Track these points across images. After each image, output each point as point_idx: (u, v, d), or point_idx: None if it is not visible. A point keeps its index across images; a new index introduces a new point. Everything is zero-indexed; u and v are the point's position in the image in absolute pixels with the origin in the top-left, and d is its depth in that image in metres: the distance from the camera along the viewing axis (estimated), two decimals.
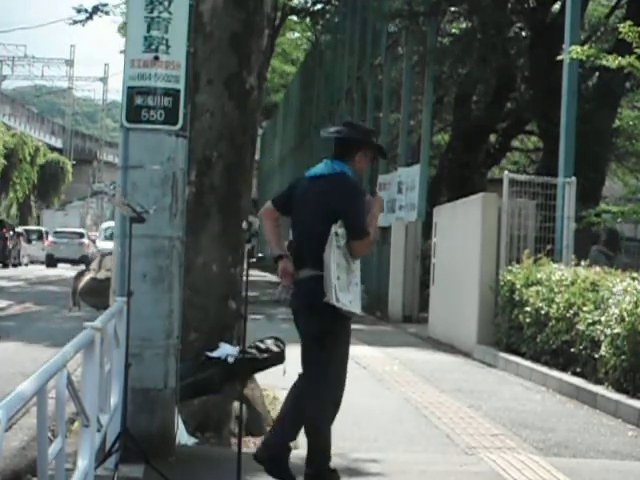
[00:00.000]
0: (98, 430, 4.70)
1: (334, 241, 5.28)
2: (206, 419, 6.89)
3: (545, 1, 20.59)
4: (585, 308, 9.90)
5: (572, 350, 10.08)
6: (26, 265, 41.88)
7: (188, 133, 6.19)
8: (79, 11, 33.00)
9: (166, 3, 5.94)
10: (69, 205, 72.07)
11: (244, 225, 5.65)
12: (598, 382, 9.34)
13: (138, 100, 5.97)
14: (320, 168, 5.57)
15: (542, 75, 18.32)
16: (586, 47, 12.84)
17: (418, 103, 24.00)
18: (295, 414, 5.49)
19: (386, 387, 9.89)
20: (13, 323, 15.53)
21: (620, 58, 11.73)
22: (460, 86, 24.50)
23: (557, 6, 20.49)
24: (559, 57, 13.62)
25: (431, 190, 21.42)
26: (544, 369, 10.67)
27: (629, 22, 11.74)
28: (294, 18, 39.90)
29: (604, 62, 12.11)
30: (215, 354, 6.99)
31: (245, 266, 6.07)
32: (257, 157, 36.42)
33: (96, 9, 32.88)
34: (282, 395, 8.65)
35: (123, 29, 39.31)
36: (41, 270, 38.37)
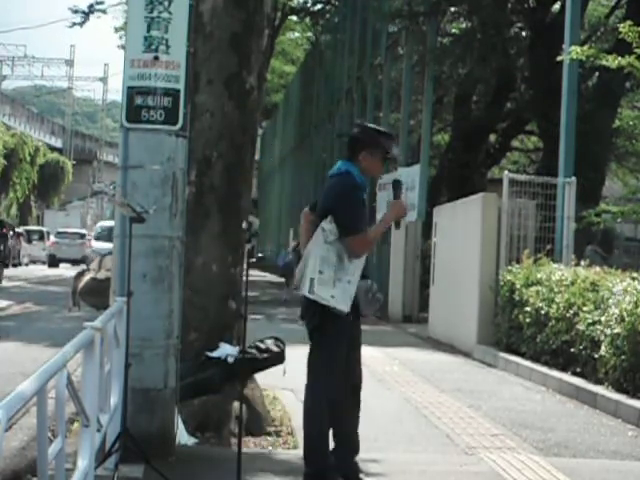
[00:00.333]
0: (98, 430, 4.70)
1: (321, 236, 5.38)
2: (206, 419, 6.89)
3: (545, 1, 20.60)
4: (585, 308, 9.90)
5: (572, 350, 10.08)
6: (26, 265, 41.96)
7: (188, 133, 6.19)
8: (75, 12, 33.00)
9: (166, 3, 5.94)
10: (69, 205, 72.10)
11: (244, 225, 5.67)
12: (598, 382, 9.34)
13: (138, 100, 5.97)
14: (333, 168, 5.74)
15: (542, 75, 18.33)
16: (586, 47, 12.84)
17: (418, 103, 24.03)
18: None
19: (386, 387, 9.89)
20: (13, 323, 15.54)
21: (620, 58, 11.73)
22: (460, 86, 24.51)
23: (557, 6, 20.49)
24: (559, 57, 13.63)
25: (431, 190, 21.44)
26: (544, 369, 10.67)
27: (629, 22, 11.75)
28: (294, 18, 39.93)
29: (604, 62, 12.12)
30: (215, 354, 6.99)
31: (245, 266, 6.08)
32: (257, 157, 36.43)
33: (91, 8, 32.75)
34: (282, 395, 8.70)
35: (121, 29, 39.29)
36: (42, 270, 38.41)
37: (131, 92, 5.98)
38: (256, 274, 29.13)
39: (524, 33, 22.15)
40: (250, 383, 7.45)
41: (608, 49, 15.58)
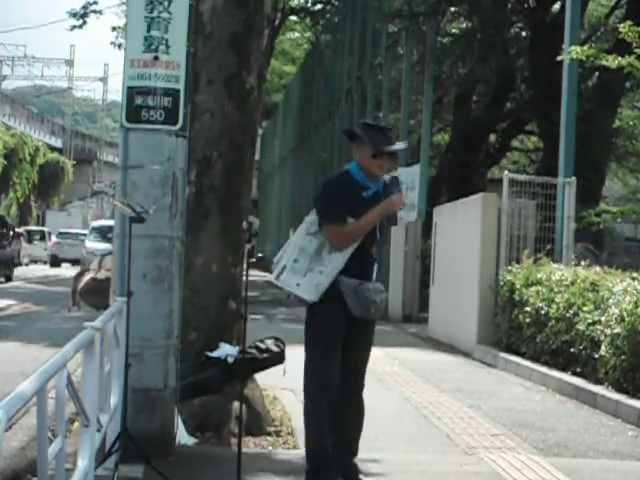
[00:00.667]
0: (98, 430, 4.70)
1: (303, 226, 5.46)
2: (206, 419, 6.89)
3: (545, 1, 20.61)
4: (585, 308, 9.90)
5: (572, 350, 10.08)
6: (26, 265, 41.96)
7: (188, 133, 6.19)
8: (74, 15, 32.92)
9: (166, 3, 5.94)
10: (70, 205, 72.10)
11: (244, 225, 5.67)
12: (598, 382, 9.34)
13: (138, 100, 5.97)
14: None
15: (542, 75, 18.34)
16: (586, 47, 12.83)
17: (418, 103, 24.02)
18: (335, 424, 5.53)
19: (386, 387, 9.89)
20: (13, 323, 15.54)
21: (620, 58, 11.74)
22: (460, 86, 24.51)
23: (557, 6, 20.50)
24: (559, 57, 13.63)
25: (431, 190, 21.44)
26: (544, 369, 10.67)
27: (629, 22, 11.76)
28: (294, 18, 39.91)
29: (604, 62, 12.13)
30: (215, 354, 6.99)
31: (245, 266, 6.08)
32: (257, 157, 36.41)
33: (86, 9, 32.59)
34: (282, 395, 8.70)
35: (119, 28, 39.21)
36: (42, 270, 38.41)
37: (131, 92, 5.98)
38: (256, 274, 29.14)
39: (524, 33, 22.16)
40: (250, 383, 7.45)
41: (608, 49, 15.58)
